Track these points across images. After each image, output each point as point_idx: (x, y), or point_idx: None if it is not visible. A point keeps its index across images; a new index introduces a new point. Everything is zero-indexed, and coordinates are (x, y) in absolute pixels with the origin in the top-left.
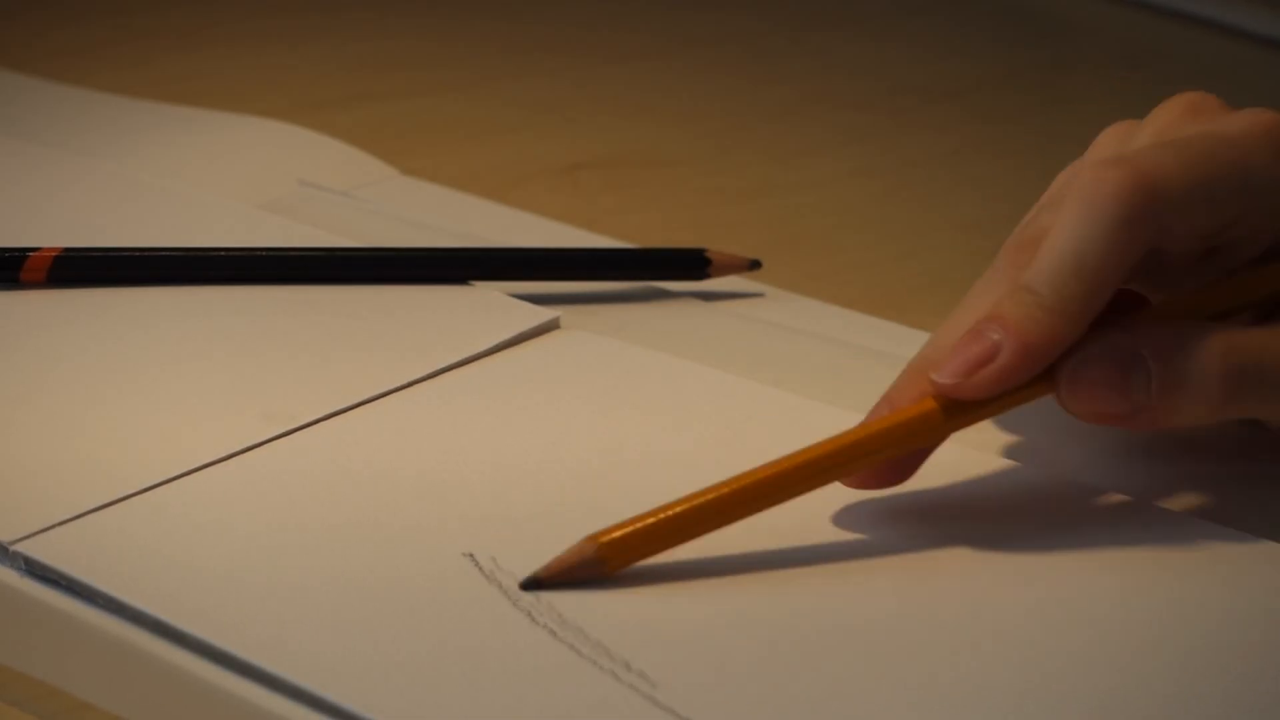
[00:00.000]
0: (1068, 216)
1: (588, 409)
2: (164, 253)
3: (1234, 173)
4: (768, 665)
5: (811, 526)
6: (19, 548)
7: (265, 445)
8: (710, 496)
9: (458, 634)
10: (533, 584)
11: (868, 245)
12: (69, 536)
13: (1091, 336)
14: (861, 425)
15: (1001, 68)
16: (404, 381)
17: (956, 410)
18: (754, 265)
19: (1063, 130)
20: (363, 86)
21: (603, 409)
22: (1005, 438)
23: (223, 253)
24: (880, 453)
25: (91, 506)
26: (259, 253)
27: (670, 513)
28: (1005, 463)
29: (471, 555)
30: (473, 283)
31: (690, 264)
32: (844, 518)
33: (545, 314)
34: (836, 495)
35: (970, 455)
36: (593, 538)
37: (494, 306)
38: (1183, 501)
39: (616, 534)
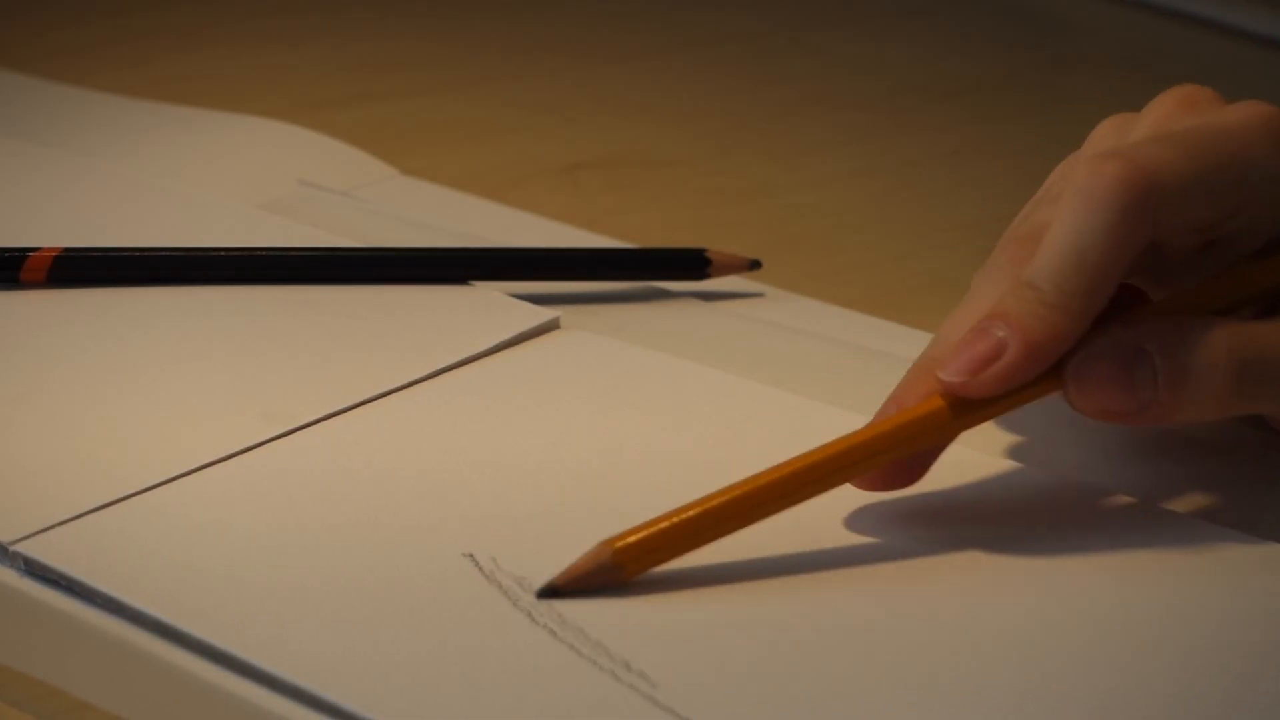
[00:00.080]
0: (1067, 211)
1: (588, 409)
2: (164, 253)
3: (1233, 164)
4: (768, 665)
5: (811, 528)
6: (19, 548)
7: (265, 445)
8: (725, 499)
9: (458, 634)
10: (550, 592)
11: (868, 245)
12: (69, 536)
13: (1096, 333)
14: (869, 425)
15: (1001, 68)
16: (404, 381)
17: (964, 409)
18: (754, 265)
19: (1063, 130)
20: (363, 86)
21: (603, 409)
22: (1008, 438)
23: (223, 253)
24: (889, 453)
25: (91, 506)
26: (259, 253)
27: (685, 516)
28: (1009, 464)
29: (471, 555)
30: (473, 283)
31: (690, 264)
32: (844, 519)
33: (545, 314)
34: (836, 497)
35: (973, 456)
36: (608, 543)
37: (494, 306)
38: (1187, 503)
39: (632, 539)
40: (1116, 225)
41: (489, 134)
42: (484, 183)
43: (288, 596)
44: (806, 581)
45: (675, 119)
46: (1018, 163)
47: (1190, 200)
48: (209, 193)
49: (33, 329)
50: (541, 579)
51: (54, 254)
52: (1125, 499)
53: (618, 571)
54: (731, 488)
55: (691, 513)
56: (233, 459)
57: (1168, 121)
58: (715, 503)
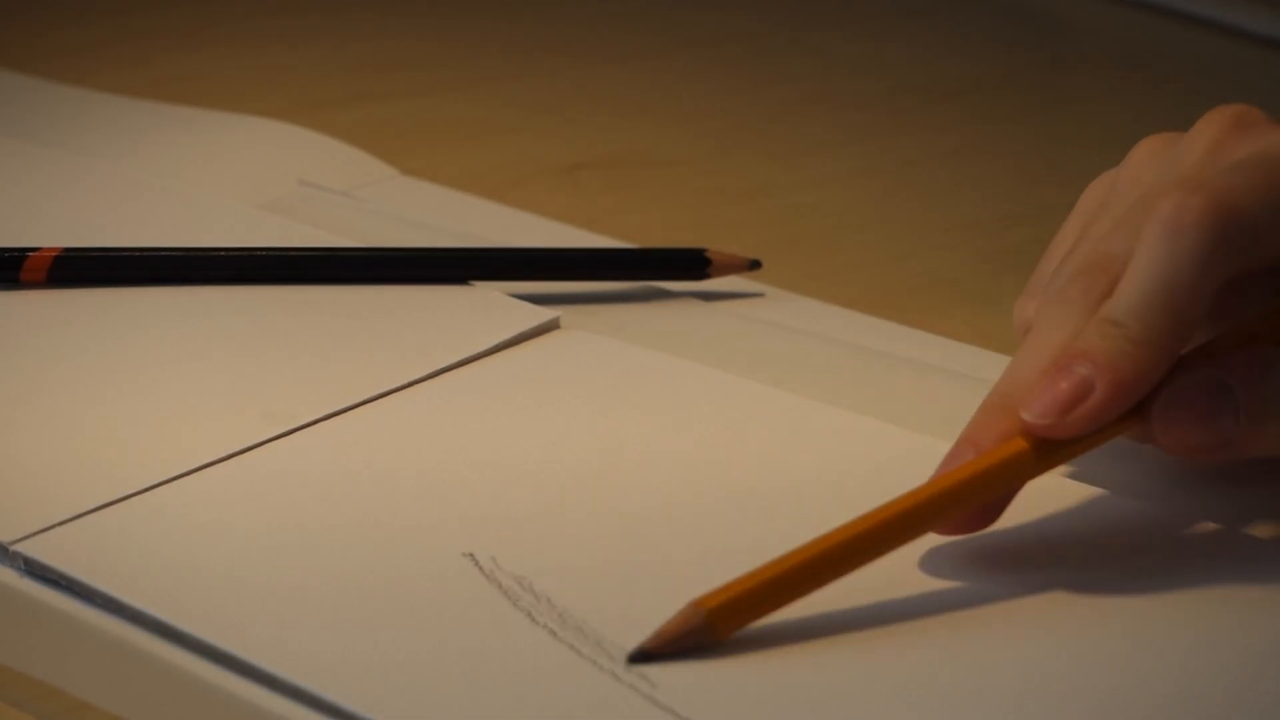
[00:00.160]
0: (1152, 245)
1: (588, 409)
2: (164, 253)
3: None
4: (768, 665)
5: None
6: (19, 548)
7: (265, 445)
8: (812, 554)
9: (458, 634)
10: (641, 657)
11: (868, 245)
12: (69, 536)
13: (1178, 369)
14: (952, 471)
15: (1001, 68)
16: (404, 381)
17: (1047, 449)
18: (754, 265)
19: (1063, 130)
20: (363, 86)
21: (603, 409)
22: (1080, 462)
23: (223, 253)
24: (975, 498)
25: (91, 506)
26: (259, 253)
27: (774, 573)
28: (1086, 490)
29: (471, 555)
30: (473, 283)
31: (690, 264)
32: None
33: (545, 314)
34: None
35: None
36: (699, 603)
37: (494, 306)
38: (1272, 529)
39: (725, 598)
40: (1206, 260)
41: (489, 134)
42: (484, 183)
43: (288, 596)
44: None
45: (675, 119)
46: (1018, 163)
47: (1271, 230)
48: (209, 193)
49: (33, 329)
50: (542, 580)
51: (54, 254)
52: (1208, 525)
53: (710, 632)
54: (818, 542)
55: (781, 568)
56: (233, 459)
57: (1223, 144)
58: (803, 557)
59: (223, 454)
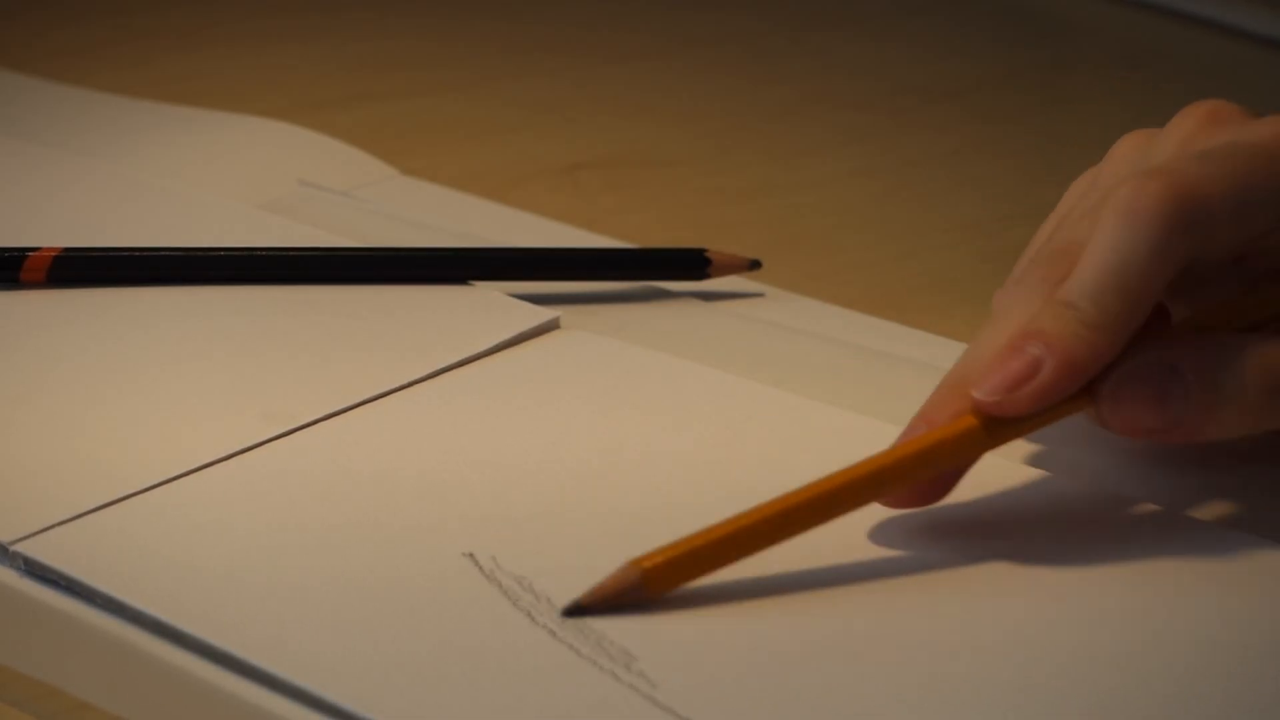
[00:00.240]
0: (1108, 229)
1: (588, 409)
2: (164, 253)
3: (1270, 182)
4: (768, 665)
5: (821, 534)
6: (19, 548)
7: (265, 445)
8: (754, 519)
9: (458, 634)
10: (575, 610)
11: (868, 245)
12: (69, 536)
13: (1129, 352)
14: (901, 444)
15: (1001, 68)
16: (404, 381)
17: (996, 427)
18: (754, 265)
19: (1063, 130)
20: (363, 86)
21: (603, 409)
22: (1030, 446)
23: (223, 253)
24: (922, 471)
25: (91, 506)
26: (259, 253)
27: (714, 535)
28: (1033, 472)
29: (471, 555)
30: (473, 283)
31: (690, 264)
32: (845, 521)
33: (545, 314)
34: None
35: (997, 464)
36: (636, 562)
37: (494, 306)
38: (1212, 511)
39: (660, 558)
40: (1160, 244)
41: (489, 134)
42: (484, 183)
43: (288, 596)
44: (805, 582)
45: (675, 119)
46: (1018, 163)
47: (1231, 219)
48: (209, 193)
49: (33, 329)
50: (542, 580)
51: (54, 254)
52: (1150, 507)
53: (645, 590)
54: (760, 507)
55: (720, 532)
56: (233, 459)
57: (1195, 137)
58: (744, 522)
59: (223, 454)
